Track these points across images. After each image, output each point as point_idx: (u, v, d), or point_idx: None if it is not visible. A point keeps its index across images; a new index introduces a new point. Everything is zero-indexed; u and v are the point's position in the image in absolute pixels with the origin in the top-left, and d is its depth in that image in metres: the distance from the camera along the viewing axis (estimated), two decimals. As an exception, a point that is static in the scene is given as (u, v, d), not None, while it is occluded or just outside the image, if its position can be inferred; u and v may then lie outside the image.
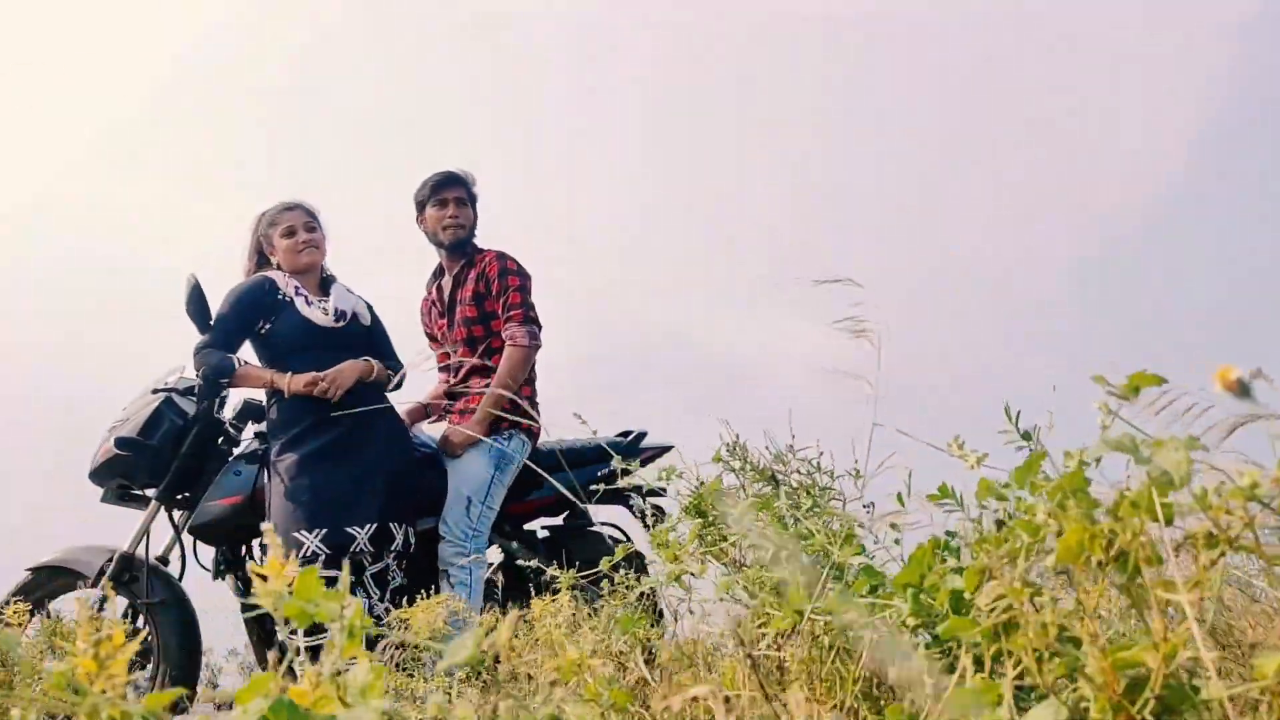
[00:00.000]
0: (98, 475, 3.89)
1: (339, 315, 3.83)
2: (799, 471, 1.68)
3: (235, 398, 4.02)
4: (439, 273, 4.34)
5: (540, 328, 4.08)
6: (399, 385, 3.99)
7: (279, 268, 3.89)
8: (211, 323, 3.73)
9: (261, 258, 3.96)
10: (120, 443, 3.75)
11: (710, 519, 1.56)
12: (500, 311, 4.05)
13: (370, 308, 4.03)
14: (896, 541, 1.33)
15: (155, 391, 3.91)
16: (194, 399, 3.91)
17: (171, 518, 3.95)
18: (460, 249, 4.18)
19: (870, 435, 1.73)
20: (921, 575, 1.09)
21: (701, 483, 1.68)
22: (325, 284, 3.96)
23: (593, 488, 4.20)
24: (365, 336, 3.93)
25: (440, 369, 4.40)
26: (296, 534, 3.48)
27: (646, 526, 4.22)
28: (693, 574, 1.55)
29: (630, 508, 4.23)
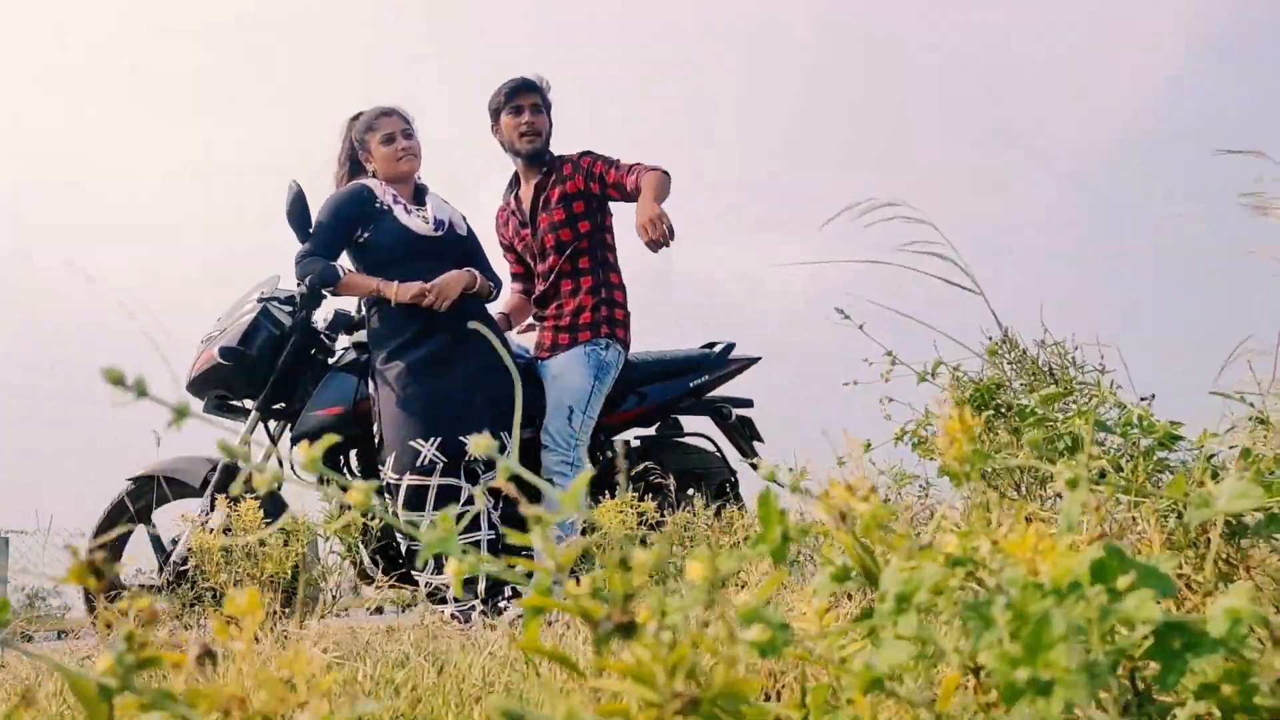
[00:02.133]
0: (195, 386, 3.86)
1: (438, 224, 3.79)
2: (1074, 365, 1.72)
3: (325, 308, 3.98)
4: (515, 183, 4.28)
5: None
6: (496, 297, 3.98)
7: (373, 175, 3.83)
8: (310, 231, 3.68)
9: (354, 164, 3.89)
10: (224, 352, 3.72)
11: (1001, 409, 1.59)
12: (621, 174, 3.94)
13: (464, 218, 3.98)
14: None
15: (259, 301, 3.86)
16: (288, 309, 3.88)
17: (268, 428, 3.95)
18: (539, 158, 4.12)
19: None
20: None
21: (965, 377, 1.71)
22: (419, 193, 3.90)
23: (683, 399, 4.28)
24: (461, 246, 3.89)
25: (513, 279, 4.37)
26: (412, 443, 3.49)
27: (745, 438, 4.30)
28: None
29: (721, 417, 4.28)
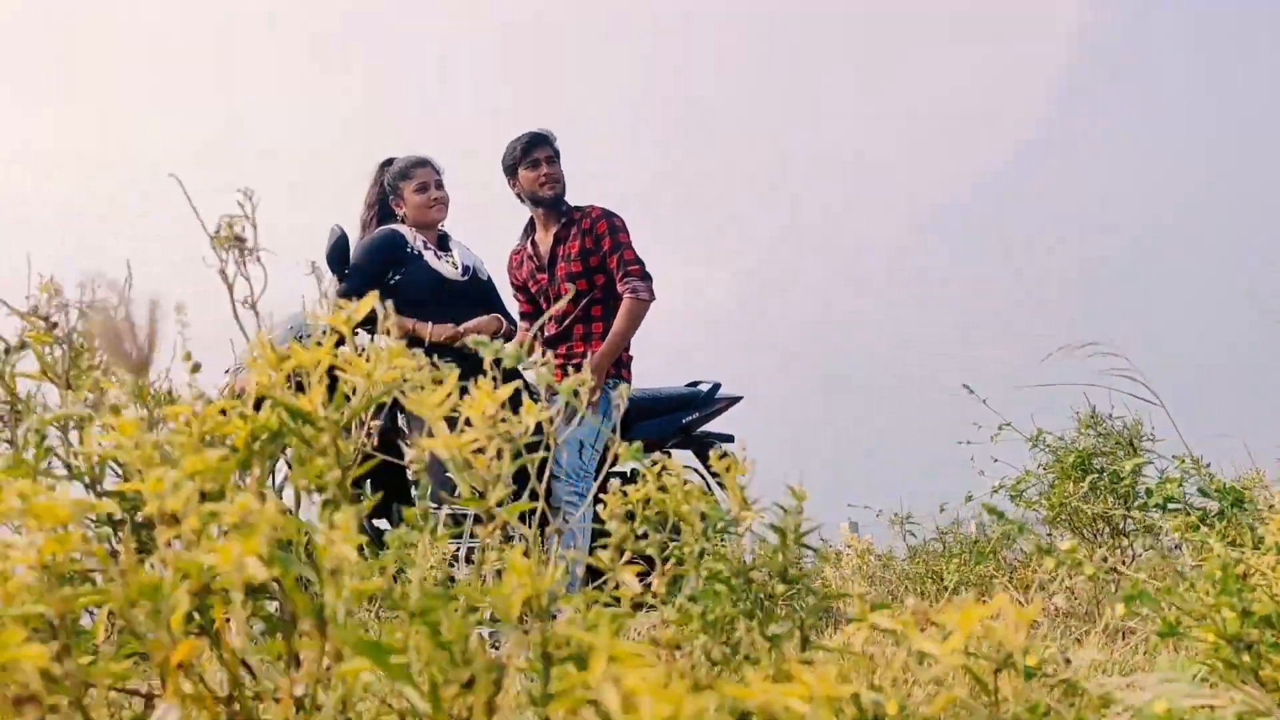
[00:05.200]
0: (224, 415, 3.97)
1: (465, 270, 4.04)
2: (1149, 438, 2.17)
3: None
4: (531, 228, 4.56)
5: (652, 280, 4.36)
6: (509, 337, 4.25)
7: (402, 219, 4.05)
8: (347, 272, 3.89)
9: (384, 207, 4.11)
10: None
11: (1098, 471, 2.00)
12: (616, 267, 4.30)
13: (484, 264, 4.24)
14: None
15: (290, 334, 4.02)
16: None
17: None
18: (558, 205, 4.42)
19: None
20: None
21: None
22: (443, 239, 4.14)
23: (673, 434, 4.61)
24: (485, 289, 4.15)
25: (523, 317, 4.65)
26: (448, 473, 3.72)
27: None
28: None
29: (703, 452, 4.64)
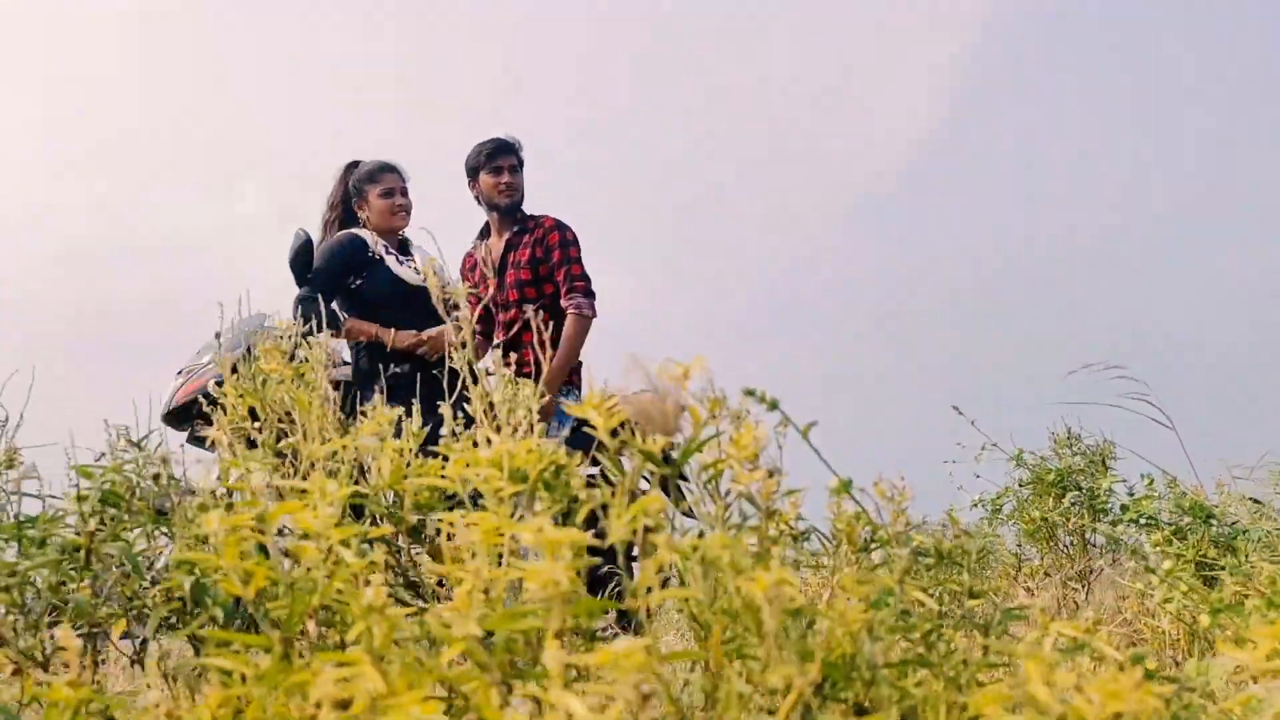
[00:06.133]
0: (173, 418, 3.92)
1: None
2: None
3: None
4: (485, 232, 4.61)
5: (595, 297, 4.47)
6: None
7: (364, 223, 4.06)
8: (309, 276, 3.87)
9: (347, 209, 4.10)
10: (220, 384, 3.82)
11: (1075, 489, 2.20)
12: (562, 281, 4.39)
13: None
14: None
15: (248, 336, 3.98)
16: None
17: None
18: (513, 213, 4.48)
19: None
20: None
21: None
22: (404, 245, 4.16)
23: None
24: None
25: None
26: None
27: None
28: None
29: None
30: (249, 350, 3.97)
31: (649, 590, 0.73)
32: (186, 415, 3.94)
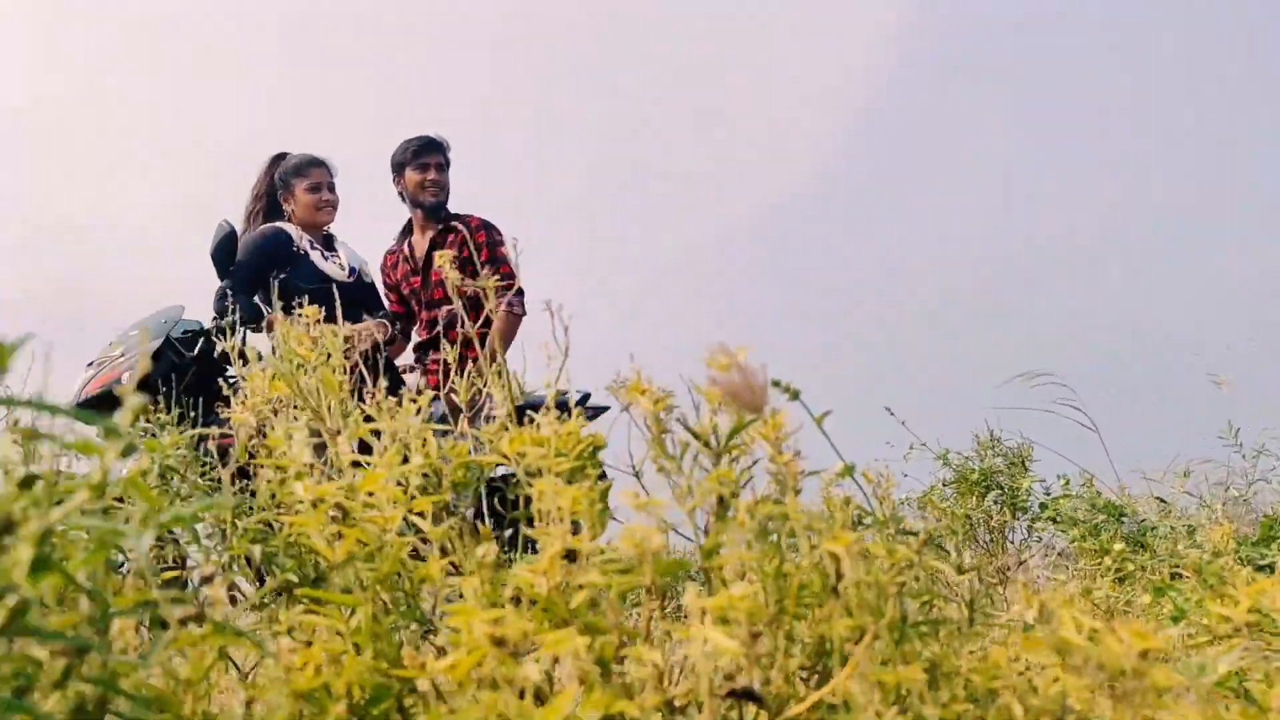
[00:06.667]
0: (85, 409, 3.80)
1: (351, 271, 4.04)
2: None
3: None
4: (408, 230, 4.58)
5: (524, 295, 4.48)
6: (395, 343, 4.28)
7: (288, 217, 4.00)
8: (231, 269, 3.80)
9: (271, 201, 4.04)
10: (121, 383, 3.73)
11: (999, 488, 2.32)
12: (487, 273, 4.38)
13: (368, 265, 4.25)
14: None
15: (164, 328, 3.89)
16: (199, 340, 3.94)
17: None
18: (438, 211, 4.47)
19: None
20: None
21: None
22: (328, 240, 4.12)
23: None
24: (369, 292, 4.15)
25: (394, 318, 4.67)
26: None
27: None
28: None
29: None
30: (168, 341, 3.89)
31: (716, 550, 0.79)
32: (98, 407, 3.83)
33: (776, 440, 0.87)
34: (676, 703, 0.64)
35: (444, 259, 4.45)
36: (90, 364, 3.90)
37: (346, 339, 3.85)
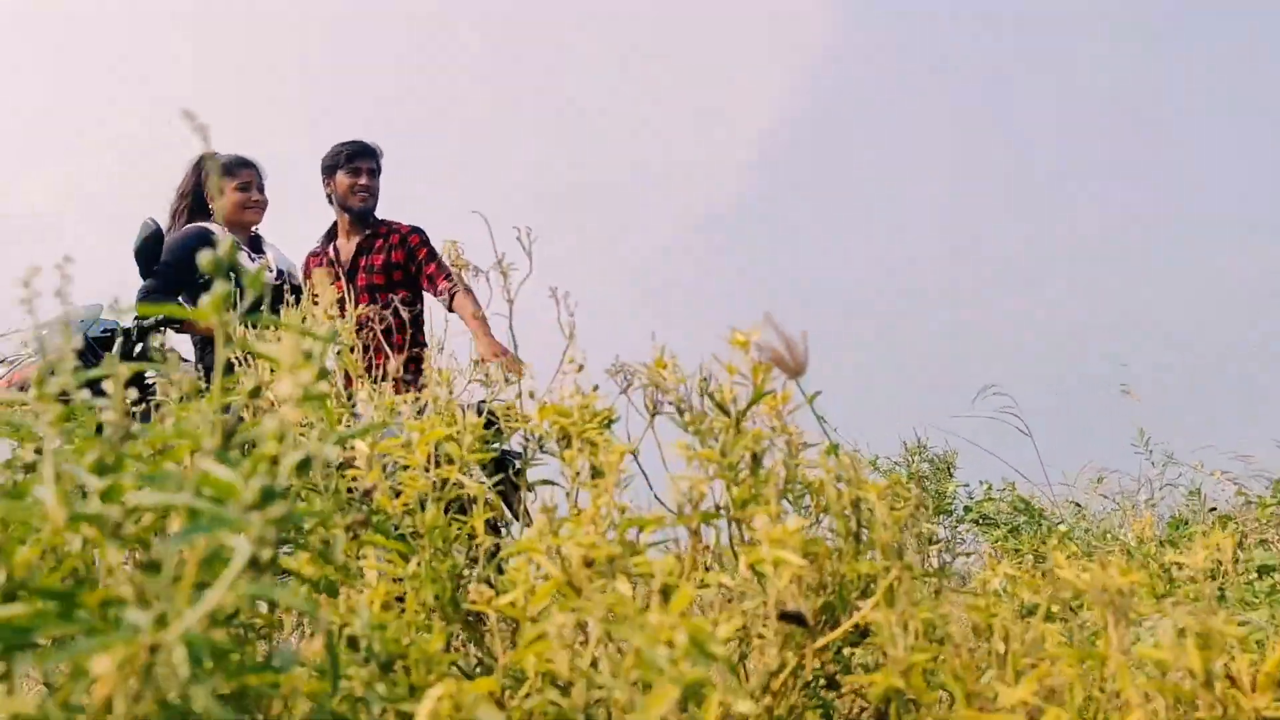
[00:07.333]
0: (-5, 410, 3.68)
1: (279, 273, 3.99)
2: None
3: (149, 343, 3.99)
4: (332, 234, 4.55)
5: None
6: (322, 345, 4.24)
7: (210, 215, 3.94)
8: (155, 269, 3.73)
9: (197, 199, 3.97)
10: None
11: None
12: (435, 272, 4.34)
13: (297, 268, 4.20)
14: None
15: (81, 328, 3.79)
16: (117, 340, 3.84)
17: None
18: (365, 217, 4.45)
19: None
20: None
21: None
22: (255, 241, 4.07)
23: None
24: (297, 294, 4.10)
25: None
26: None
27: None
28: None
29: (502, 466, 4.79)
30: (86, 340, 3.79)
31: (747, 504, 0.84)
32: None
33: (784, 412, 0.93)
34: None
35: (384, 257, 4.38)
36: (2, 361, 3.78)
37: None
